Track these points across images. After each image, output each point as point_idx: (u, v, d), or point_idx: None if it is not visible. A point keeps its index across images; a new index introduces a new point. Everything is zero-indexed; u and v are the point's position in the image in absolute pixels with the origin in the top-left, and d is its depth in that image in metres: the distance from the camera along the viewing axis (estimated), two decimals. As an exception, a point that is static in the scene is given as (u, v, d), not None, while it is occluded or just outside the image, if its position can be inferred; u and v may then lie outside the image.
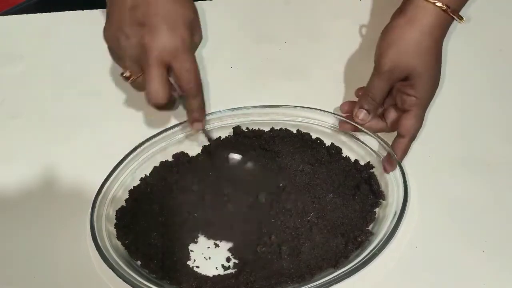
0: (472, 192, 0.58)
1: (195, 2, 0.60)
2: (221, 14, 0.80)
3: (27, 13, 0.83)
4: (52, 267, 0.56)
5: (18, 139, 0.68)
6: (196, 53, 0.59)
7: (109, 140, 0.66)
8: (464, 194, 0.58)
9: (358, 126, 0.61)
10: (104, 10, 0.79)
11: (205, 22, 0.79)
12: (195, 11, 0.59)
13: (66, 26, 0.81)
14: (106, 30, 0.59)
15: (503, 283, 0.52)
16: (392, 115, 0.61)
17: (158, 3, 0.56)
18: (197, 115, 0.60)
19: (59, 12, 0.82)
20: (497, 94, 0.67)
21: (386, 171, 0.59)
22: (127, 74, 0.59)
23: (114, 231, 0.56)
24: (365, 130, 0.61)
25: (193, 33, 0.59)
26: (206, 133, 0.61)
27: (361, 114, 0.60)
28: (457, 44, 0.72)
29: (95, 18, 0.80)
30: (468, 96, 0.67)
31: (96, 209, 0.56)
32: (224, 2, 0.81)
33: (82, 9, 0.81)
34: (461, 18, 0.59)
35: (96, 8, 0.80)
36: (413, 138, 0.59)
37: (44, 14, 0.82)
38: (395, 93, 0.60)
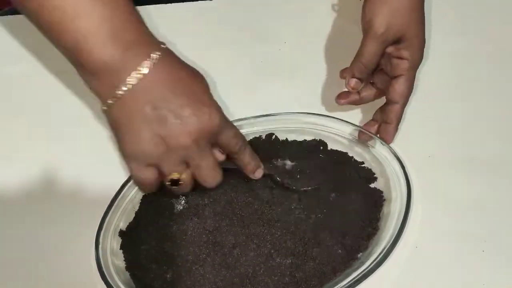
0: (472, 192, 0.58)
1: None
2: (221, 14, 0.80)
3: (27, 13, 0.83)
4: (51, 268, 0.56)
5: (18, 139, 0.68)
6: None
7: (108, 139, 0.66)
8: (464, 194, 0.58)
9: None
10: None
11: (205, 22, 0.79)
12: (201, 76, 0.53)
13: (66, 26, 0.81)
14: (131, 145, 0.50)
15: (503, 283, 0.52)
16: (380, 81, 0.61)
17: (175, 94, 0.49)
18: (253, 165, 0.56)
19: (59, 12, 0.82)
20: (497, 94, 0.67)
21: (387, 141, 0.60)
22: (175, 176, 0.52)
23: (119, 264, 0.55)
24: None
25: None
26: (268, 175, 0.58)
27: (353, 83, 0.59)
28: (457, 43, 0.72)
29: (95, 18, 0.80)
30: (468, 96, 0.67)
31: (100, 245, 0.55)
32: (224, 2, 0.81)
33: (82, 9, 0.81)
34: None
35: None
36: (406, 103, 0.59)
37: (44, 14, 0.82)
38: (382, 58, 0.59)
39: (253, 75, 0.72)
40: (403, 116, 0.63)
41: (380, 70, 0.61)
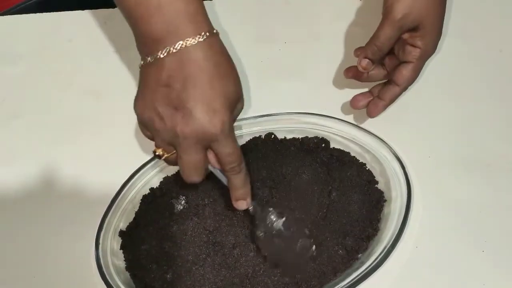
0: (472, 192, 0.58)
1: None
2: (221, 14, 0.80)
3: (27, 13, 0.83)
4: (51, 267, 0.56)
5: (18, 139, 0.68)
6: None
7: (108, 139, 0.66)
8: (464, 194, 0.58)
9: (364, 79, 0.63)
10: (104, 10, 0.80)
11: (205, 22, 0.79)
12: (235, 82, 0.52)
13: (66, 26, 0.81)
14: (138, 104, 0.52)
15: (503, 283, 0.52)
16: (390, 63, 0.62)
17: (195, 83, 0.49)
18: (239, 193, 0.54)
19: (59, 12, 0.82)
20: (497, 94, 0.67)
21: (371, 113, 0.61)
22: (159, 153, 0.53)
23: (119, 264, 0.55)
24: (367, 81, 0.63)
25: (235, 107, 0.53)
26: (252, 211, 0.55)
27: (364, 63, 0.60)
28: (457, 44, 0.72)
29: (95, 18, 0.80)
30: (468, 96, 0.67)
31: (100, 245, 0.55)
32: (224, 2, 0.81)
33: (82, 9, 0.81)
34: None
35: (96, 8, 0.80)
36: (406, 88, 0.61)
37: (44, 14, 0.82)
38: (396, 42, 0.60)
39: (253, 75, 0.72)
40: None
41: (391, 54, 0.62)
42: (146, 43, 0.51)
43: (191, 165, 0.52)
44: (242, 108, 0.54)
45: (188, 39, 0.49)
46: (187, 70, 0.49)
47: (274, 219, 0.54)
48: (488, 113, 0.65)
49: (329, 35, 0.76)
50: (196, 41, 0.49)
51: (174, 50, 0.49)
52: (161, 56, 0.50)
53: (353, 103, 0.63)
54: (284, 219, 0.54)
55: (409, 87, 0.62)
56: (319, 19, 0.78)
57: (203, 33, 0.49)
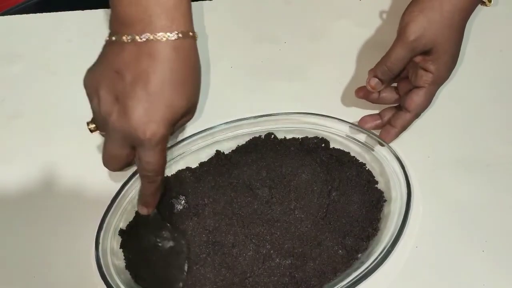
0: (472, 192, 0.58)
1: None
2: (221, 14, 0.80)
3: (27, 13, 0.83)
4: (51, 267, 0.56)
5: (18, 139, 0.68)
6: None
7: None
8: (464, 194, 0.58)
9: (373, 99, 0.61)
10: (104, 10, 0.80)
11: (205, 22, 0.79)
12: (190, 95, 0.50)
13: (66, 26, 0.81)
14: (87, 76, 0.51)
15: (503, 283, 0.52)
16: (403, 88, 0.60)
17: (145, 83, 0.47)
18: (145, 200, 0.54)
19: (59, 12, 0.82)
20: (497, 94, 0.67)
21: (385, 140, 0.59)
22: (91, 127, 0.53)
23: (119, 264, 0.55)
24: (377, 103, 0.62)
25: (179, 120, 0.51)
26: (151, 218, 0.56)
27: (373, 82, 0.58)
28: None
29: (95, 18, 0.80)
30: (468, 96, 0.67)
31: (100, 245, 0.54)
32: (224, 2, 0.81)
33: (82, 9, 0.81)
34: (490, 1, 0.60)
35: (96, 8, 0.80)
36: (418, 115, 0.59)
37: (44, 14, 0.82)
38: (410, 66, 0.59)
39: (253, 75, 0.72)
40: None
41: (405, 78, 0.60)
42: (116, 22, 0.49)
43: (111, 155, 0.51)
44: (190, 119, 0.52)
45: (157, 33, 0.47)
46: (144, 65, 0.47)
47: (163, 237, 0.55)
48: (488, 113, 0.65)
49: (329, 35, 0.76)
50: (164, 39, 0.47)
51: (139, 40, 0.47)
52: (125, 40, 0.47)
53: (361, 124, 0.62)
54: (171, 243, 0.55)
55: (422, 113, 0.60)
56: (319, 19, 0.78)
57: (175, 32, 0.47)
